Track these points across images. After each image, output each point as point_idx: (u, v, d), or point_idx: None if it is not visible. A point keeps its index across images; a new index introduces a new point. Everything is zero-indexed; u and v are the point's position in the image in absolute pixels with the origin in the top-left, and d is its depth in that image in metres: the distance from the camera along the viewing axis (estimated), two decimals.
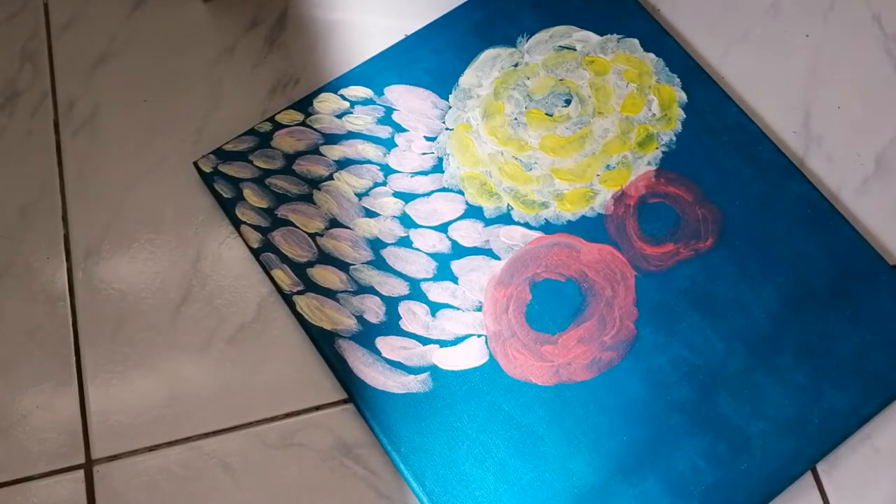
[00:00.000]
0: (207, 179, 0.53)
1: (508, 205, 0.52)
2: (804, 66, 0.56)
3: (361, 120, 0.54)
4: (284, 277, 0.50)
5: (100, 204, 0.54)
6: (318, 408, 0.49)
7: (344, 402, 0.49)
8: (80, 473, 0.48)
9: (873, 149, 0.54)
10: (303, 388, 0.49)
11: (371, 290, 0.50)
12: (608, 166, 0.52)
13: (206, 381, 0.49)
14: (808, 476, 0.47)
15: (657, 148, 0.53)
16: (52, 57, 0.58)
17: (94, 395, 0.49)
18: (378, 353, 0.48)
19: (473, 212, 0.51)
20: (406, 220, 0.51)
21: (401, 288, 0.50)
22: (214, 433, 0.48)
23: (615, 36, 0.56)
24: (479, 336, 0.48)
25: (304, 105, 0.54)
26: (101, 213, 0.53)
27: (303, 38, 0.58)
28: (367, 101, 0.54)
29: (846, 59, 0.56)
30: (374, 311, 0.49)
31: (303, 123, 0.54)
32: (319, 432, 0.48)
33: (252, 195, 0.52)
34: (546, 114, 0.54)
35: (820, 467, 0.47)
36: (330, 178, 0.52)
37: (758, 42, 0.57)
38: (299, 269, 0.50)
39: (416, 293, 0.49)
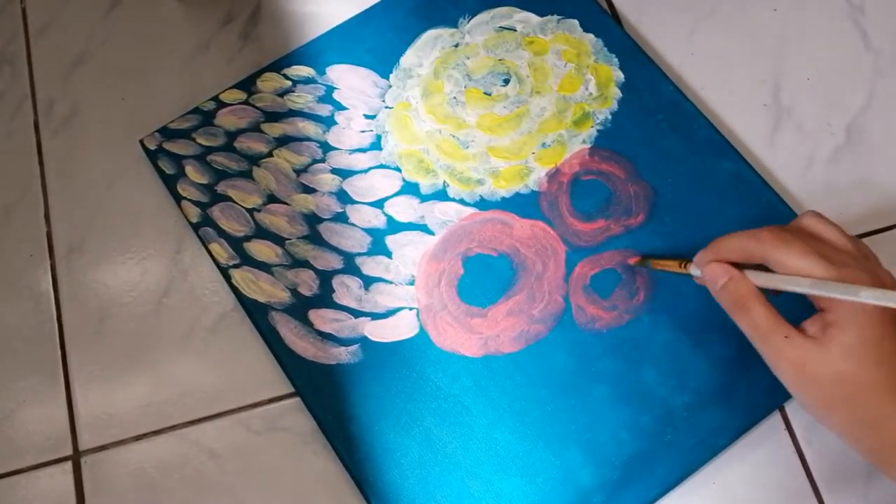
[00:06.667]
0: (151, 157, 0.54)
1: (444, 181, 0.52)
2: (773, 40, 0.57)
3: (302, 98, 0.55)
4: (221, 251, 0.51)
5: (81, 201, 0.54)
6: (299, 392, 0.49)
7: None
8: (69, 465, 0.48)
9: (843, 118, 0.54)
10: (284, 373, 0.49)
11: (305, 264, 0.51)
12: (543, 144, 0.53)
13: (190, 370, 0.50)
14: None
15: (592, 126, 0.53)
16: (31, 59, 0.59)
17: (80, 387, 0.50)
18: (310, 325, 0.49)
19: (410, 188, 0.52)
20: (343, 196, 0.52)
21: (335, 262, 0.51)
22: (199, 420, 0.49)
23: (555, 17, 0.56)
24: (411, 309, 0.49)
25: (247, 84, 0.55)
26: (82, 210, 0.54)
27: (276, 32, 0.58)
28: (308, 80, 0.55)
29: (814, 30, 0.57)
30: (307, 284, 0.50)
31: (245, 102, 0.55)
32: (301, 416, 0.49)
33: (193, 171, 0.53)
34: (484, 93, 0.55)
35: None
36: (269, 154, 0.53)
37: (726, 17, 0.57)
38: (236, 244, 0.51)
39: (350, 267, 0.50)
